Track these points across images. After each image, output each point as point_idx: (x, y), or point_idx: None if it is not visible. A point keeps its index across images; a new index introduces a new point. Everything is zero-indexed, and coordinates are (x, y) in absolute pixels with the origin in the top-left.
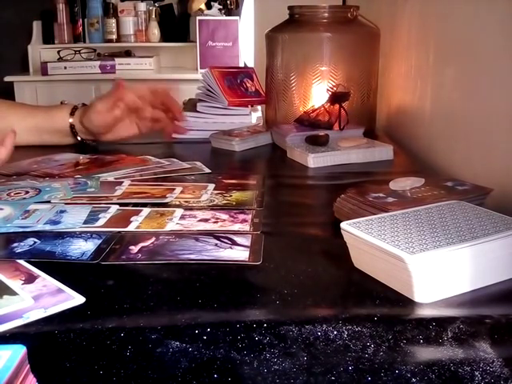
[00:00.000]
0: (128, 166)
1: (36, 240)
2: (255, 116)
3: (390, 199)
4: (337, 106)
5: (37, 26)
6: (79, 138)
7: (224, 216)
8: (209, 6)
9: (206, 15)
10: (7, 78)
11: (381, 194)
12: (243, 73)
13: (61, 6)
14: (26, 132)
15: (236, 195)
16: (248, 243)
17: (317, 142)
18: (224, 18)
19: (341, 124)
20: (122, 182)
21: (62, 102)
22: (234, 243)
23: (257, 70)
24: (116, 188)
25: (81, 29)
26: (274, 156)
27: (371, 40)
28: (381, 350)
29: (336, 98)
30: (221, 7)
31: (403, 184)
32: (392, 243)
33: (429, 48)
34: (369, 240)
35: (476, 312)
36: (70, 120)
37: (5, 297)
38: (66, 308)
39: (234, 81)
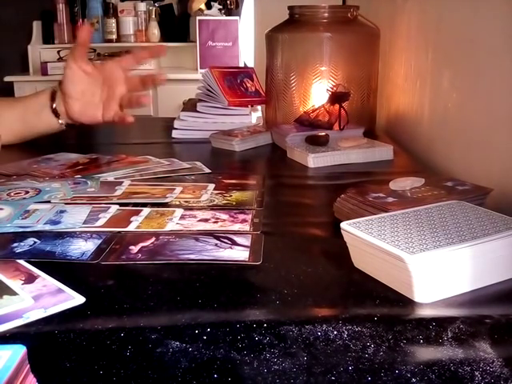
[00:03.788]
0: (128, 166)
1: (36, 240)
2: (255, 116)
3: (390, 199)
4: (337, 106)
5: (37, 26)
6: (61, 121)
7: (224, 216)
8: (209, 6)
9: (206, 15)
10: (7, 78)
11: (381, 194)
12: (243, 73)
13: (61, 6)
14: (13, 122)
15: (236, 195)
16: (248, 243)
17: (317, 142)
18: (224, 18)
19: (341, 124)
20: (122, 182)
21: None
22: (234, 243)
23: (257, 70)
24: (116, 188)
25: None
26: (274, 156)
27: (371, 40)
28: (381, 350)
29: (336, 98)
30: (221, 7)
31: (403, 184)
32: (392, 243)
33: (428, 48)
34: (369, 240)
35: (476, 312)
36: (54, 105)
37: (5, 297)
38: (66, 308)
39: (234, 81)
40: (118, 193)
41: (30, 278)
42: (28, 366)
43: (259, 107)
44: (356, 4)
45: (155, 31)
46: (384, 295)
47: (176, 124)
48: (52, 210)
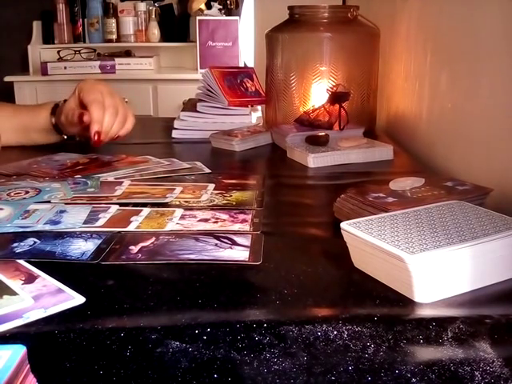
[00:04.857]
0: (128, 166)
1: (36, 240)
2: (255, 116)
3: (390, 199)
4: (337, 106)
5: (37, 26)
6: (65, 137)
7: (224, 216)
8: (209, 6)
9: (206, 15)
10: (7, 78)
11: (381, 194)
12: (243, 73)
13: (61, 6)
14: (14, 132)
15: (236, 195)
16: (248, 243)
17: (317, 142)
18: (224, 18)
19: (341, 124)
20: (122, 182)
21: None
22: (234, 243)
23: (257, 70)
24: (116, 188)
25: (81, 29)
26: (274, 156)
27: (371, 40)
28: (381, 350)
29: (336, 98)
30: (221, 7)
31: (403, 184)
32: (392, 243)
33: (427, 48)
34: (369, 240)
35: (476, 312)
36: (53, 120)
37: (5, 297)
38: (66, 308)
39: (234, 81)
40: (118, 193)
41: (30, 278)
42: (28, 366)
43: (259, 107)
44: (356, 4)
45: (155, 31)
46: (384, 295)
47: (176, 124)
48: (52, 210)
